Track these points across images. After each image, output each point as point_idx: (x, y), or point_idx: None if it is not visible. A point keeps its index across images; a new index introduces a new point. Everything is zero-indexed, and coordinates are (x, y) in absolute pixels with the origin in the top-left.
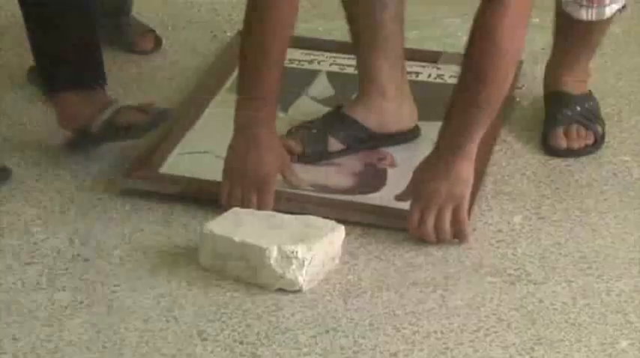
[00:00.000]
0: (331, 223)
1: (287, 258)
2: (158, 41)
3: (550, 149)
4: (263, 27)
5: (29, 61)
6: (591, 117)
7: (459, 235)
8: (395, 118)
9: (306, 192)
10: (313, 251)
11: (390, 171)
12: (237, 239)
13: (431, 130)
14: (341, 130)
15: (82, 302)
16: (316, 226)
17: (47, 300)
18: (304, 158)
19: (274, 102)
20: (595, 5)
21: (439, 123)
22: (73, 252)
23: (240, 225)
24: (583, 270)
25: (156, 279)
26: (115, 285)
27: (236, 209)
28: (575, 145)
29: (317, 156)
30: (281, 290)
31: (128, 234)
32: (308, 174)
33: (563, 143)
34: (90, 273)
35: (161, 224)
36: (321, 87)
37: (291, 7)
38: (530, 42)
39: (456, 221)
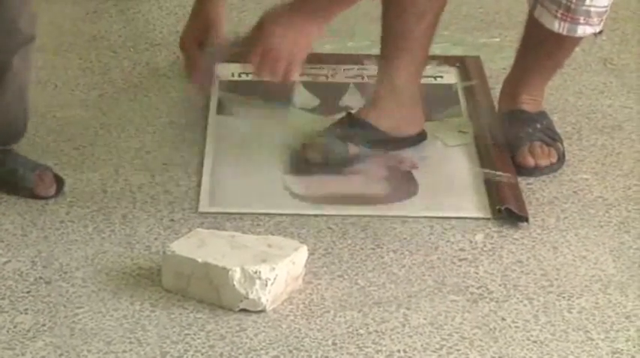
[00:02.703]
0: (294, 243)
1: (250, 278)
2: (60, 181)
3: (518, 167)
4: None
5: None
6: (551, 135)
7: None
8: (407, 122)
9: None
10: (276, 271)
11: (416, 173)
12: (200, 260)
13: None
14: (356, 134)
15: (44, 325)
16: (279, 246)
17: (9, 323)
18: (327, 167)
19: None
20: (568, 20)
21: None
22: (35, 274)
23: (202, 246)
24: (544, 288)
25: (119, 301)
26: (77, 308)
27: (198, 230)
28: (543, 163)
29: (340, 162)
30: (244, 310)
31: (91, 256)
32: (339, 185)
33: (531, 161)
34: (52, 296)
35: (124, 246)
36: (304, 97)
37: None
38: (490, 62)
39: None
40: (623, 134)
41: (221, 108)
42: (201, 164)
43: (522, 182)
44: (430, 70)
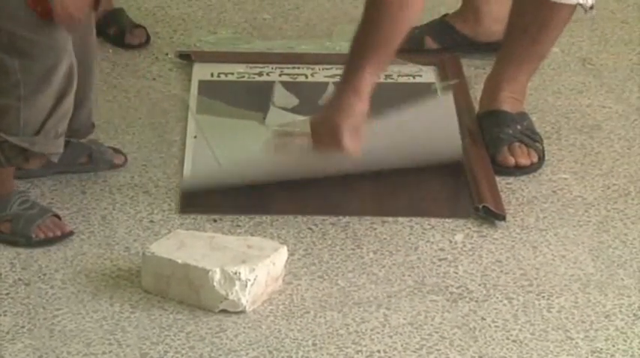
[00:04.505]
0: (274, 244)
1: (230, 279)
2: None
3: (499, 167)
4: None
5: None
6: (531, 135)
7: None
8: (488, 32)
9: None
10: (256, 272)
11: None
12: (179, 261)
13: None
14: (439, 32)
15: (23, 327)
16: (259, 247)
17: None
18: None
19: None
20: None
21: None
22: (14, 276)
23: (182, 247)
24: (524, 287)
25: (98, 303)
26: (57, 309)
27: (178, 231)
28: (523, 162)
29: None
30: (224, 311)
31: (70, 257)
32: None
33: (511, 160)
34: (31, 298)
35: (103, 247)
36: (284, 96)
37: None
38: (469, 61)
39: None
40: (602, 134)
41: (201, 108)
42: (181, 165)
43: (501, 181)
44: (408, 68)
